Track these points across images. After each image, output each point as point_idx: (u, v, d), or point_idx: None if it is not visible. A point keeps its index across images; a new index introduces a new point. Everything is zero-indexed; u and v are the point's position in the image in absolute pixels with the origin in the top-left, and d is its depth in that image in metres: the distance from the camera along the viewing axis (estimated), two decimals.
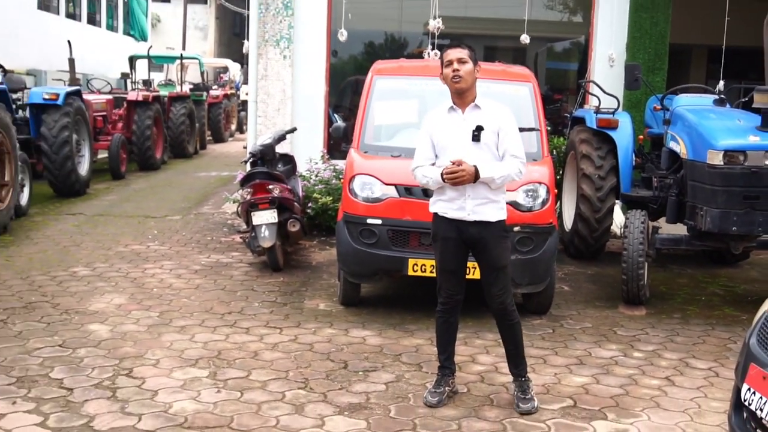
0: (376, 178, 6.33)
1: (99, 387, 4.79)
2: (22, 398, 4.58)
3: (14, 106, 10.50)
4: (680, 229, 7.39)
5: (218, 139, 22.95)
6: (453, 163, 4.48)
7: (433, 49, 9.24)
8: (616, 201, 8.36)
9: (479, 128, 4.58)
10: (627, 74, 7.92)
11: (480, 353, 5.60)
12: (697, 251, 8.23)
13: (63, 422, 4.29)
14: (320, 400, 4.69)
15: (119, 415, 4.40)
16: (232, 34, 37.68)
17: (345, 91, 13.19)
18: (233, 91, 25.70)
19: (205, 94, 21.18)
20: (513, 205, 6.15)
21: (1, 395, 4.61)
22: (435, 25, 9.20)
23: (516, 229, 6.14)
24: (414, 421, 4.43)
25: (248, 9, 10.58)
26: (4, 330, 5.77)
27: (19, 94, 11.59)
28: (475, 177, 4.48)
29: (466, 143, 4.60)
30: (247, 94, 27.28)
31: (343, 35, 9.52)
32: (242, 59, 30.50)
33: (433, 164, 4.70)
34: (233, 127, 25.45)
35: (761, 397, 3.54)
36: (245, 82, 28.23)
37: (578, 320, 6.49)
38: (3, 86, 9.55)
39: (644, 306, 6.86)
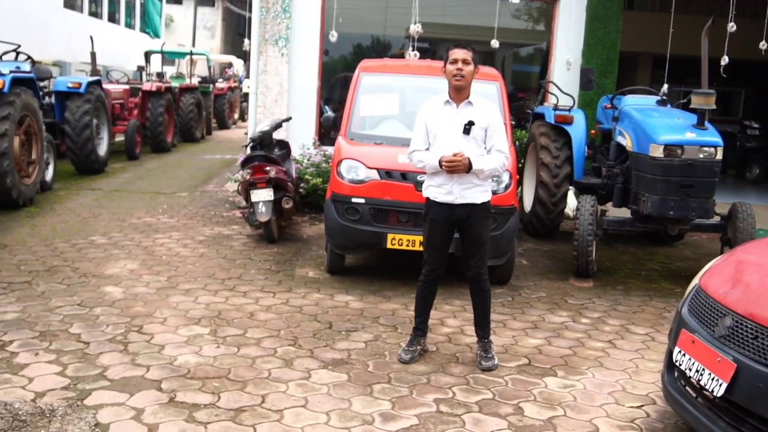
0: (360, 162, 6.28)
1: (112, 341, 4.74)
2: (44, 350, 4.52)
3: (41, 93, 10.33)
4: (624, 213, 7.41)
5: (222, 126, 22.74)
6: (454, 155, 4.44)
7: (413, 50, 9.16)
8: (570, 187, 8.37)
9: (471, 123, 4.58)
10: (582, 77, 7.91)
11: (448, 317, 5.60)
12: (639, 232, 8.25)
13: (80, 371, 4.24)
14: (307, 356, 4.67)
15: (130, 366, 4.36)
16: (237, 34, 37.28)
17: (335, 86, 13.11)
18: (237, 84, 25.42)
19: (211, 86, 20.97)
20: None
21: (26, 347, 4.55)
22: (415, 29, 9.12)
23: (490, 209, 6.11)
24: (389, 375, 4.43)
25: (251, 12, 10.43)
26: (28, 290, 5.70)
27: (46, 83, 11.41)
28: (468, 167, 4.47)
29: (457, 135, 4.58)
30: (248, 87, 27.14)
31: (334, 36, 9.43)
32: (245, 56, 30.24)
33: (427, 149, 4.67)
34: (236, 116, 25.21)
35: (690, 359, 3.56)
36: (247, 76, 28.04)
37: (534, 290, 6.50)
38: (32, 75, 9.38)
39: (592, 279, 6.88)
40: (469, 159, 4.47)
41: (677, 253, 8.34)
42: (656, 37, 13.97)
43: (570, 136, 8.22)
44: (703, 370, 3.43)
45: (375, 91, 6.92)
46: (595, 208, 6.96)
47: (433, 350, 4.89)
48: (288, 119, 8.83)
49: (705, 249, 8.60)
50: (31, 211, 8.62)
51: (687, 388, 3.68)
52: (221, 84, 22.86)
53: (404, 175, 6.11)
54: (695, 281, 3.99)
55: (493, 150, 4.63)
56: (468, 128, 4.56)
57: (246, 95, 26.81)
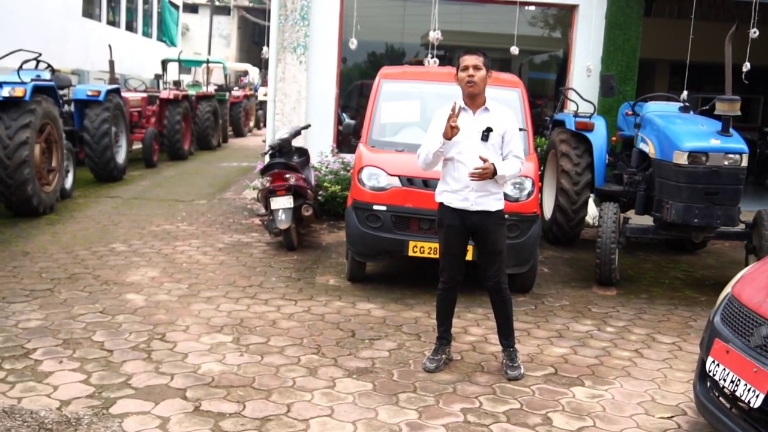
0: (381, 169, 6.25)
1: (136, 349, 4.72)
2: (68, 358, 4.51)
3: (61, 101, 10.38)
4: (646, 220, 7.33)
5: (238, 134, 22.78)
6: (484, 162, 4.38)
7: (432, 57, 9.13)
8: (590, 195, 8.30)
9: (489, 129, 4.53)
10: (603, 83, 7.86)
11: (471, 326, 5.54)
12: (661, 240, 8.17)
13: (104, 380, 4.22)
14: (331, 364, 4.63)
15: (154, 375, 4.33)
16: (252, 42, 37.43)
17: (352, 94, 13.12)
18: (252, 92, 25.50)
19: (227, 94, 21.03)
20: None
21: (50, 355, 4.54)
22: (435, 36, 9.09)
23: (505, 216, 6.07)
24: (414, 384, 4.38)
25: (269, 19, 10.45)
26: (51, 297, 5.70)
27: (65, 91, 11.46)
28: (493, 173, 4.42)
29: (475, 141, 4.53)
30: (265, 95, 27.22)
31: (353, 44, 9.42)
32: (261, 64, 30.33)
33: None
34: (251, 123, 25.27)
35: (724, 369, 3.49)
36: (263, 84, 28.14)
37: (557, 298, 6.42)
38: (52, 83, 9.42)
39: (615, 287, 6.80)
40: (494, 165, 4.43)
41: (700, 261, 8.24)
42: (674, 44, 13.88)
43: (590, 143, 8.15)
44: (739, 380, 3.36)
45: (396, 98, 6.89)
46: (617, 215, 6.89)
47: (458, 359, 4.84)
48: (307, 127, 8.82)
49: (728, 257, 8.50)
50: (51, 219, 8.64)
51: (721, 398, 3.61)
52: (237, 92, 22.92)
53: (426, 182, 6.06)
54: (727, 290, 3.91)
55: (510, 156, 4.59)
56: (486, 135, 4.51)
57: (261, 103, 26.94)
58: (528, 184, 6.22)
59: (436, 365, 4.62)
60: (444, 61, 10.35)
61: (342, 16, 10.32)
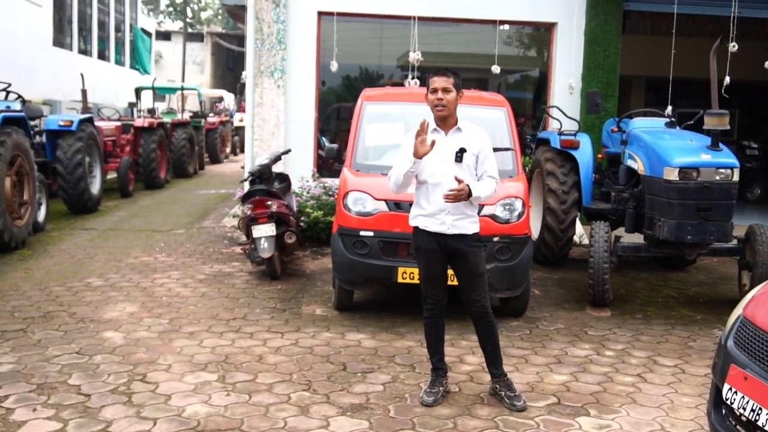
0: (367, 193, 6.05)
1: (115, 392, 4.44)
2: (42, 405, 4.22)
3: (32, 132, 10.08)
4: (636, 237, 7.18)
5: (215, 160, 22.52)
6: (458, 181, 4.23)
7: (413, 78, 8.98)
8: (578, 213, 8.16)
9: (462, 150, 4.39)
10: (588, 100, 7.73)
11: (466, 354, 5.33)
12: (650, 257, 8.04)
13: (82, 428, 3.94)
14: (324, 401, 4.38)
15: (135, 420, 4.06)
16: (226, 68, 37.30)
17: (330, 117, 12.94)
18: (228, 118, 25.27)
19: (203, 120, 20.79)
20: (492, 217, 5.94)
21: (22, 402, 4.24)
22: (415, 57, 8.96)
23: (495, 239, 5.91)
24: (413, 420, 4.14)
25: (243, 45, 10.28)
26: (24, 339, 5.40)
27: (36, 121, 11.17)
28: (468, 195, 4.27)
29: (449, 163, 4.38)
30: (241, 120, 27.05)
31: (334, 66, 9.24)
32: (236, 90, 30.13)
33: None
34: (228, 150, 25.02)
35: (743, 397, 3.29)
36: (238, 110, 27.93)
37: (551, 321, 6.23)
38: (22, 114, 9.15)
39: (609, 308, 6.63)
40: (468, 186, 4.27)
41: (691, 278, 8.10)
42: (649, 60, 13.94)
43: (576, 161, 8.03)
44: (761, 409, 3.16)
45: (379, 120, 6.71)
46: (609, 234, 6.73)
47: (456, 391, 4.61)
48: (287, 152, 8.61)
49: (718, 273, 8.38)
50: (23, 254, 8.31)
51: (738, 426, 3.42)
52: (212, 118, 22.69)
53: None
54: (738, 312, 3.73)
55: (485, 176, 4.46)
56: (460, 156, 4.37)
57: (237, 129, 26.73)
58: (518, 205, 6.05)
59: (434, 399, 4.39)
60: (424, 82, 10.23)
61: (319, 39, 10.17)
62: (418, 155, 4.23)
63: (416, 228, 4.52)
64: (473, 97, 7.05)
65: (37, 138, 10.91)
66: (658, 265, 8.53)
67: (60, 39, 17.55)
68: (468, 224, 4.43)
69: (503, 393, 4.44)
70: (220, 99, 27.05)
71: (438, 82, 4.37)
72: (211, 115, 23.58)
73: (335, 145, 7.39)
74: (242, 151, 27.38)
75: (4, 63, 13.90)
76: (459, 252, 4.41)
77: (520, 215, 6.04)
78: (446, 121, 4.45)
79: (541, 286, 7.44)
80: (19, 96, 10.11)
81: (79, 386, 4.51)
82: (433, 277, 4.51)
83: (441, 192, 4.32)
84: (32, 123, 10.50)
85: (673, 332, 6.02)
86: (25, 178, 8.95)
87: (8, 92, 9.69)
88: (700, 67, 10.55)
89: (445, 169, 4.37)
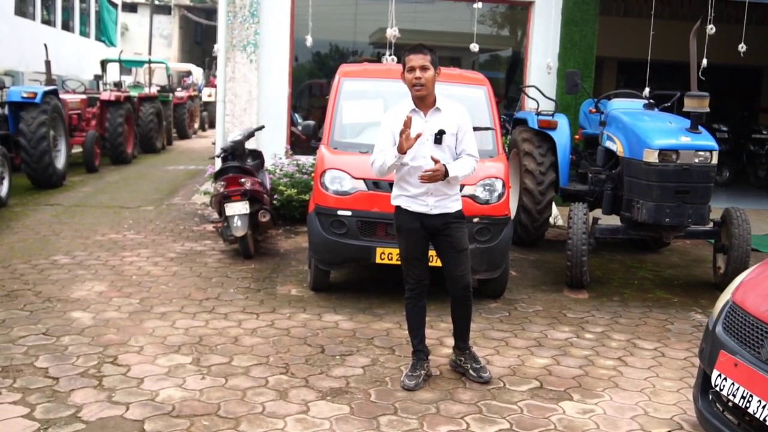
0: (345, 172, 5.90)
1: (85, 375, 4.27)
2: (8, 389, 4.04)
3: None
4: (613, 219, 7.15)
5: (183, 136, 22.07)
6: (435, 161, 4.17)
7: (390, 55, 8.80)
8: (554, 194, 8.10)
9: (442, 132, 4.32)
10: (568, 80, 7.65)
11: (446, 336, 5.22)
12: (624, 239, 8.02)
13: (50, 413, 3.77)
14: (302, 385, 4.26)
15: (107, 405, 3.90)
16: (194, 42, 36.57)
17: (302, 94, 12.73)
18: (196, 93, 24.77)
19: (171, 95, 20.32)
20: (472, 198, 5.83)
21: None
22: (392, 33, 8.77)
23: (475, 220, 5.80)
24: (395, 405, 4.04)
25: (211, 19, 9.99)
26: None
27: None
28: (445, 175, 4.20)
29: (429, 144, 4.31)
30: (209, 95, 26.56)
31: (309, 41, 9.01)
32: (204, 64, 29.56)
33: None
34: (196, 125, 24.55)
35: (733, 383, 3.25)
36: (207, 84, 27.41)
37: (530, 303, 6.17)
38: None
39: (586, 290, 6.58)
40: (445, 167, 4.21)
41: (665, 260, 8.11)
42: (621, 42, 13.92)
43: (554, 141, 7.95)
44: (751, 396, 3.12)
45: (357, 97, 6.55)
46: (587, 216, 6.68)
47: (437, 374, 4.53)
48: (261, 128, 8.39)
49: (691, 255, 8.41)
50: None
51: (726, 413, 3.38)
52: (180, 93, 22.21)
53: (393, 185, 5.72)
54: (726, 297, 3.68)
55: (463, 154, 4.41)
56: (439, 138, 4.30)
57: (206, 104, 26.25)
58: (498, 186, 5.95)
59: (415, 383, 4.29)
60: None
61: (293, 13, 9.93)
62: (403, 151, 4.16)
63: (398, 207, 4.46)
64: (453, 75, 6.93)
65: None
66: (632, 247, 8.52)
67: (22, 8, 16.94)
68: (450, 203, 4.39)
69: (469, 365, 4.45)
70: (189, 73, 26.49)
71: (415, 60, 4.25)
72: (179, 89, 23.08)
73: (312, 122, 7.20)
74: (211, 126, 26.92)
75: None
76: (441, 229, 4.37)
77: (500, 196, 5.94)
78: (425, 100, 4.35)
79: (517, 268, 7.37)
80: None
81: (47, 369, 4.33)
82: (415, 257, 4.44)
83: (421, 173, 4.25)
84: None
85: (650, 315, 6.00)
86: None
87: None
88: (673, 49, 10.55)
89: (425, 151, 4.30)
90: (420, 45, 4.34)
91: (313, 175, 6.53)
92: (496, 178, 5.97)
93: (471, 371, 4.41)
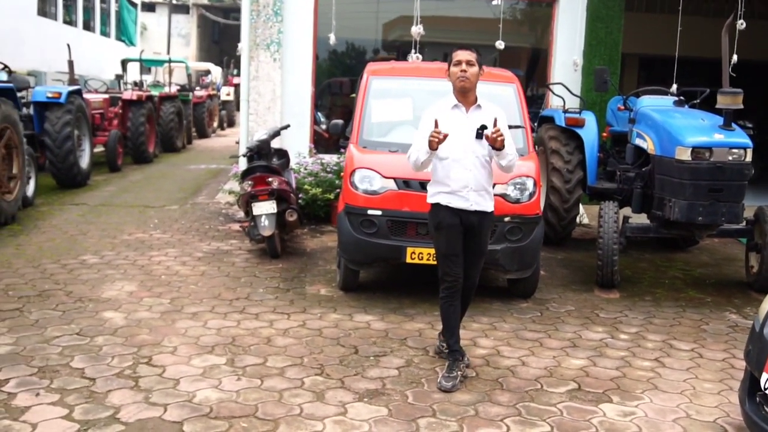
0: (375, 171, 5.86)
1: (120, 376, 4.26)
2: (46, 389, 4.03)
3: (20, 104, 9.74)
4: (641, 218, 7.06)
5: (202, 135, 22.10)
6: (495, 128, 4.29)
7: (416, 53, 8.75)
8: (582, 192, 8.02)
9: (483, 127, 4.41)
10: (596, 77, 7.56)
11: (479, 336, 5.19)
12: (653, 238, 7.93)
13: (89, 414, 3.76)
14: (338, 387, 4.23)
15: (144, 406, 3.88)
16: (212, 41, 36.70)
17: (323, 92, 12.69)
18: (215, 92, 24.84)
19: (190, 94, 20.37)
20: (503, 197, 5.77)
21: (24, 386, 4.05)
22: (417, 31, 8.71)
23: (506, 219, 5.76)
24: (432, 407, 4.00)
25: (241, 16, 9.97)
26: (21, 319, 5.18)
27: (23, 93, 10.81)
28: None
29: (469, 139, 4.42)
30: (228, 94, 26.61)
31: (332, 39, 8.98)
32: (222, 63, 29.61)
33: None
34: (215, 124, 24.61)
35: None
36: (225, 84, 27.47)
37: (561, 303, 6.11)
38: (11, 85, 8.82)
39: (617, 289, 6.51)
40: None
41: (695, 259, 8.01)
42: (643, 38, 13.76)
43: (581, 139, 7.88)
44: None
45: (386, 96, 6.51)
46: (618, 215, 6.60)
47: (473, 375, 4.48)
48: (286, 127, 8.36)
49: (721, 254, 8.30)
50: (13, 230, 8.05)
51: None
52: (200, 92, 22.26)
53: (423, 185, 5.61)
54: None
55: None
56: (481, 133, 4.41)
57: (224, 103, 26.30)
58: (530, 185, 5.89)
59: (452, 384, 4.26)
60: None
61: (317, 12, 9.89)
62: (434, 148, 4.30)
63: (437, 205, 4.52)
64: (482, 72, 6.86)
65: (24, 110, 10.57)
66: (659, 246, 8.42)
67: (44, 8, 17.06)
68: (488, 202, 4.53)
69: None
70: (207, 72, 26.56)
71: (462, 55, 4.45)
72: (198, 88, 23.14)
73: (340, 121, 7.15)
74: (229, 125, 27.01)
75: None
76: (476, 228, 4.48)
77: (531, 195, 5.88)
78: (467, 96, 4.49)
79: (546, 267, 7.30)
80: (6, 66, 9.79)
81: (83, 369, 4.32)
82: (454, 254, 4.47)
83: (463, 168, 4.40)
84: (19, 94, 10.16)
85: (684, 315, 5.91)
86: (14, 151, 8.65)
87: None
88: (696, 45, 10.44)
89: (466, 145, 4.41)
90: (467, 45, 4.53)
91: (342, 174, 6.48)
92: (528, 176, 5.90)
93: (445, 353, 4.58)
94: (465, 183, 4.40)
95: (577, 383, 4.41)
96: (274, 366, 4.49)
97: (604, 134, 8.39)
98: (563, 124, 7.91)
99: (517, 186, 5.87)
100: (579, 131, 7.87)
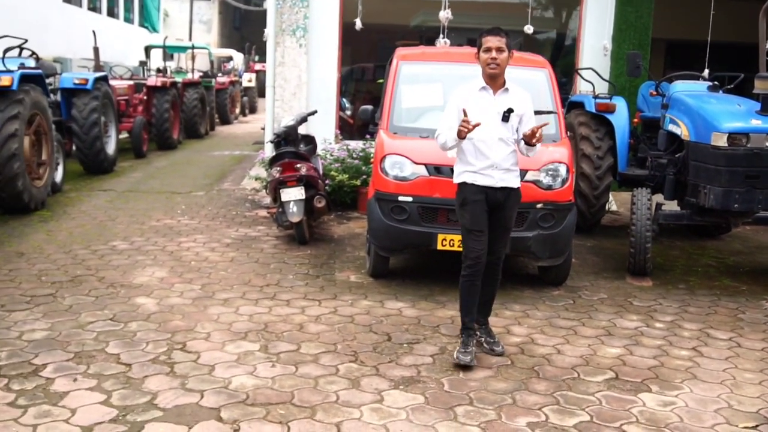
0: (406, 157, 5.80)
1: (156, 362, 4.26)
2: (83, 375, 4.04)
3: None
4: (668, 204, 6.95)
5: (225, 121, 22.15)
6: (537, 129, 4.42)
7: (444, 37, 8.66)
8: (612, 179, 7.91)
9: (510, 110, 4.46)
10: (629, 62, 7.43)
11: (512, 324, 5.14)
12: (684, 225, 7.81)
13: (127, 399, 3.76)
14: (373, 374, 4.20)
15: (181, 392, 3.88)
16: (233, 28, 36.70)
17: (348, 78, 12.63)
18: (237, 78, 24.84)
19: (213, 80, 20.39)
20: (535, 183, 5.72)
21: (62, 372, 4.07)
22: (445, 15, 8.62)
23: (538, 206, 5.69)
24: (469, 396, 3.96)
25: (267, 1, 9.90)
26: (55, 304, 5.21)
27: (50, 80, 10.84)
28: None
29: (496, 121, 4.44)
30: (249, 80, 26.60)
31: (358, 24, 8.92)
32: (244, 50, 29.61)
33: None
34: (237, 110, 24.65)
35: None
36: (247, 70, 27.48)
37: (593, 291, 6.04)
38: (40, 71, 8.85)
39: (649, 277, 6.42)
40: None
41: (727, 247, 7.88)
42: (670, 23, 13.53)
43: (611, 125, 7.76)
44: None
45: (416, 81, 6.44)
46: (651, 201, 6.50)
47: (508, 363, 4.43)
48: (314, 112, 8.30)
49: (753, 241, 8.17)
50: (43, 215, 8.10)
51: None
52: (222, 78, 22.26)
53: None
54: None
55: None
56: (507, 116, 4.45)
57: (246, 89, 26.31)
58: (562, 171, 5.81)
59: (470, 357, 4.37)
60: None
61: None
62: (462, 137, 4.33)
63: (463, 183, 4.54)
64: (513, 57, 6.77)
65: (51, 97, 10.61)
66: (691, 233, 8.31)
67: None
68: (512, 178, 4.53)
69: (483, 339, 4.62)
70: (229, 59, 26.57)
71: (492, 41, 4.43)
72: (220, 75, 23.15)
73: (369, 107, 7.09)
74: (251, 111, 27.03)
75: (14, 20, 13.51)
76: (503, 204, 4.50)
77: (564, 181, 5.81)
78: (496, 80, 4.50)
79: (576, 254, 7.16)
80: (33, 53, 9.81)
81: (118, 355, 4.33)
82: (478, 229, 4.47)
83: (488, 148, 4.44)
84: (47, 81, 10.19)
85: (720, 303, 5.82)
86: (43, 137, 8.70)
87: (22, 49, 9.37)
88: (726, 30, 10.22)
89: (492, 127, 4.45)
90: (497, 28, 4.49)
91: (371, 160, 6.43)
92: (560, 162, 5.83)
93: (485, 344, 4.60)
94: (490, 163, 4.44)
95: (614, 372, 4.35)
96: (307, 353, 4.48)
97: (635, 120, 8.26)
98: (593, 110, 7.81)
99: (550, 172, 5.79)
100: (609, 117, 7.76)
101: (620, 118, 7.77)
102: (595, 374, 4.31)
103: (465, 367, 4.31)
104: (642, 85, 8.54)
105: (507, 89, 4.52)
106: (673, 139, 7.07)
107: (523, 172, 5.72)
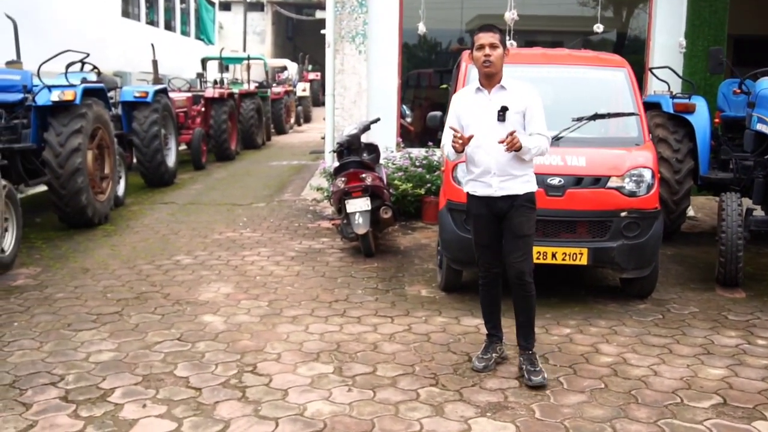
0: None
1: (227, 386, 4.04)
2: (152, 400, 3.84)
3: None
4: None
5: (280, 131, 22.15)
6: (509, 135, 3.98)
7: (510, 40, 8.33)
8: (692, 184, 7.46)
9: (504, 109, 4.15)
10: (711, 59, 6.99)
11: (600, 342, 4.78)
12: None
13: (198, 428, 3.54)
14: (457, 399, 3.90)
15: (255, 420, 3.64)
16: (286, 38, 36.91)
17: (408, 84, 12.36)
18: (291, 88, 24.87)
19: (269, 90, 20.39)
20: (618, 190, 5.36)
21: (131, 397, 3.88)
22: (510, 16, 8.29)
23: (623, 214, 5.33)
24: (564, 424, 3.63)
25: (326, 8, 9.72)
26: (121, 323, 5.05)
27: (111, 93, 10.87)
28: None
29: (492, 122, 4.16)
30: (303, 90, 26.60)
31: (421, 29, 8.65)
32: (298, 59, 29.69)
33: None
34: (292, 120, 24.66)
35: None
36: (301, 80, 27.50)
37: (683, 304, 5.62)
38: (102, 85, 8.83)
39: (741, 288, 5.97)
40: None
41: None
42: (736, 19, 12.91)
43: (690, 126, 7.31)
44: None
45: None
46: (742, 206, 6.06)
47: (602, 387, 4.08)
48: (377, 120, 8.06)
49: None
50: (107, 230, 8.03)
51: None
52: (277, 88, 22.29)
53: None
54: None
55: (534, 134, 4.19)
56: (502, 114, 4.14)
57: (300, 99, 26.32)
58: (647, 176, 5.43)
59: (485, 365, 4.26)
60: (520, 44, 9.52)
61: (402, 2, 9.56)
62: (459, 151, 4.15)
63: (468, 194, 4.37)
64: (588, 57, 6.43)
65: (112, 110, 10.63)
66: None
67: (128, 10, 17.30)
68: (517, 185, 4.19)
69: (524, 367, 4.18)
70: (284, 68, 26.64)
71: (484, 38, 4.17)
72: (275, 85, 23.19)
73: (438, 113, 6.81)
74: (306, 121, 27.02)
75: (75, 35, 13.66)
76: (507, 212, 4.21)
77: (649, 187, 5.42)
78: (491, 79, 4.24)
79: None
80: (95, 67, 9.83)
81: (187, 379, 4.13)
82: (483, 244, 4.32)
83: (485, 152, 4.17)
84: (108, 95, 10.21)
85: None
86: (106, 151, 8.65)
87: (84, 63, 9.38)
88: None
89: (488, 128, 4.16)
90: (490, 24, 4.27)
91: (443, 169, 6.14)
92: (645, 167, 5.45)
93: (525, 372, 4.15)
94: (487, 167, 4.17)
95: (721, 397, 3.96)
96: (384, 375, 4.20)
97: (716, 120, 7.79)
98: (671, 111, 7.37)
99: (634, 178, 5.42)
100: (689, 117, 7.32)
101: (701, 118, 7.32)
102: (700, 399, 3.93)
103: (554, 392, 3.97)
104: (722, 84, 8.06)
105: (503, 86, 4.23)
106: (761, 140, 6.60)
107: (606, 179, 5.40)
